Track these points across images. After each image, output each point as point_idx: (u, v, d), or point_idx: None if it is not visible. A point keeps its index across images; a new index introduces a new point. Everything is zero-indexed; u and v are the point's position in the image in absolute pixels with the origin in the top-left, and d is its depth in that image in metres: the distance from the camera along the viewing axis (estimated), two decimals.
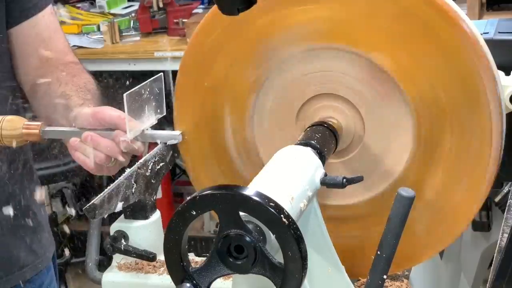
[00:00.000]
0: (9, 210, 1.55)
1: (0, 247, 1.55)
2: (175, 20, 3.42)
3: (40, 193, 1.67)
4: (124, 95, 1.21)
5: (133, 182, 1.25)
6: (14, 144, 1.35)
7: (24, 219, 1.59)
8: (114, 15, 3.71)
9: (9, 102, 1.55)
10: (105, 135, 1.28)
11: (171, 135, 1.29)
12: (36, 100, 1.53)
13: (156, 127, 1.33)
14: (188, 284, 0.93)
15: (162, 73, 1.30)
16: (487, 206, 1.59)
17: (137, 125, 1.26)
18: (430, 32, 1.10)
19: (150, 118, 1.30)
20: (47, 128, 1.34)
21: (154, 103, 1.29)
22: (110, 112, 1.28)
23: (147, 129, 1.29)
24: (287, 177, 1.02)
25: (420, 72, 1.12)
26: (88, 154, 1.28)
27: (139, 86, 1.25)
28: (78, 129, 1.31)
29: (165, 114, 1.33)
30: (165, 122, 1.38)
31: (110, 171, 1.33)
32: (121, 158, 1.28)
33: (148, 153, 1.31)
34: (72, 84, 1.46)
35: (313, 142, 1.11)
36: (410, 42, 1.11)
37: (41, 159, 3.13)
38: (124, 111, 1.23)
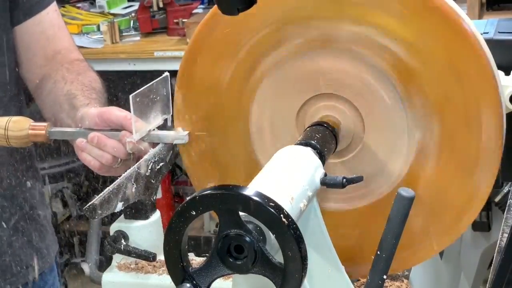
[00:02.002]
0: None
1: (5, 247, 1.55)
2: (175, 20, 3.43)
3: None
4: (130, 96, 1.21)
5: (133, 182, 1.25)
6: (20, 145, 1.36)
7: (28, 219, 1.59)
8: (114, 15, 3.71)
9: (15, 102, 1.55)
10: (111, 136, 1.28)
11: (178, 136, 1.29)
12: (41, 99, 1.53)
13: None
14: (188, 284, 0.93)
15: (168, 73, 1.29)
16: (487, 206, 1.58)
17: (143, 125, 1.26)
18: (429, 32, 1.10)
19: (157, 118, 1.29)
20: (53, 129, 1.34)
21: (160, 104, 1.29)
22: (116, 113, 1.28)
23: (153, 130, 1.29)
24: (287, 177, 1.02)
25: (419, 72, 1.12)
26: (94, 154, 1.28)
27: (145, 86, 1.25)
28: (85, 129, 1.31)
29: (171, 114, 1.32)
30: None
31: (117, 171, 1.33)
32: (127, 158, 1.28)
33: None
34: (77, 83, 1.45)
35: (313, 142, 1.11)
36: (410, 42, 1.11)
37: (41, 159, 3.14)
38: (130, 112, 1.23)
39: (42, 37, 1.56)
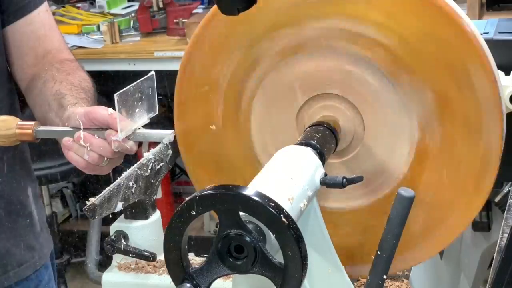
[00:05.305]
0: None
1: None
2: (175, 20, 3.42)
3: None
4: (115, 95, 1.22)
5: (133, 182, 1.25)
6: (7, 144, 1.36)
7: (20, 217, 1.59)
8: (114, 15, 3.71)
9: (6, 102, 1.55)
10: (97, 135, 1.28)
11: (163, 134, 1.30)
12: (31, 98, 1.54)
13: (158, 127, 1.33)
14: (188, 284, 0.93)
15: (153, 72, 1.30)
16: (487, 206, 1.59)
17: (128, 124, 1.27)
18: (429, 32, 1.10)
19: (142, 117, 1.30)
20: (40, 128, 1.35)
21: (146, 103, 1.30)
22: (102, 112, 1.28)
23: (139, 129, 1.29)
24: (287, 177, 1.02)
25: (419, 72, 1.12)
26: (81, 153, 1.29)
27: (130, 85, 1.25)
28: (71, 128, 1.31)
29: (157, 113, 1.33)
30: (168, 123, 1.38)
31: (103, 170, 1.33)
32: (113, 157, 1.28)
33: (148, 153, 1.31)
34: (67, 83, 1.46)
35: (313, 142, 1.11)
36: (410, 42, 1.11)
37: (41, 159, 3.14)
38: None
39: (33, 37, 1.56)
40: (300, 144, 1.11)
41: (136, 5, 3.73)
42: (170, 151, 1.32)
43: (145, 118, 1.31)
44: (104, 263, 1.59)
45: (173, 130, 1.29)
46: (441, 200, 1.17)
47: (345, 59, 1.16)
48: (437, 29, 1.09)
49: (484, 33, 1.25)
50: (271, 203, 0.88)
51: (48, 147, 3.09)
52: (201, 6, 3.73)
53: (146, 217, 1.33)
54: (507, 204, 1.29)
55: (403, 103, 1.14)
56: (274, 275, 0.90)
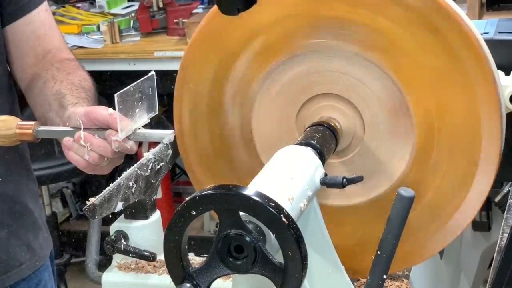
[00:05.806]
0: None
1: None
2: (175, 20, 3.43)
3: None
4: (115, 95, 1.22)
5: (133, 182, 1.25)
6: (8, 144, 1.36)
7: (20, 217, 1.59)
8: (114, 15, 3.72)
9: (6, 102, 1.55)
10: (97, 135, 1.29)
11: (164, 134, 1.30)
12: (31, 98, 1.54)
13: (158, 127, 1.33)
14: (188, 284, 0.93)
15: (153, 72, 1.30)
16: (487, 206, 1.59)
17: (129, 124, 1.27)
18: (429, 32, 1.10)
19: (142, 117, 1.30)
20: (41, 128, 1.35)
21: (146, 102, 1.30)
22: (102, 112, 1.29)
23: (139, 128, 1.29)
24: (287, 177, 1.02)
25: (419, 72, 1.12)
26: (81, 153, 1.29)
27: (130, 85, 1.25)
28: (72, 128, 1.31)
29: (157, 113, 1.33)
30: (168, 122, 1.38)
31: (103, 170, 1.33)
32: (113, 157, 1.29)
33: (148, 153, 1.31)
34: (67, 82, 1.46)
35: (313, 142, 1.11)
36: (410, 42, 1.11)
37: (41, 159, 3.14)
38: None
39: (33, 37, 1.56)
40: (300, 144, 1.11)
41: (136, 5, 3.73)
42: (170, 151, 1.32)
43: (145, 118, 1.31)
44: (104, 263, 1.59)
45: (173, 130, 1.29)
46: (441, 200, 1.17)
47: (346, 59, 1.15)
48: (461, 63, 1.09)
49: (484, 33, 1.25)
50: (271, 203, 0.88)
51: (48, 147, 3.09)
52: (201, 6, 3.73)
53: (146, 217, 1.33)
54: (507, 204, 1.29)
55: (403, 103, 1.14)
56: (274, 275, 0.90)
